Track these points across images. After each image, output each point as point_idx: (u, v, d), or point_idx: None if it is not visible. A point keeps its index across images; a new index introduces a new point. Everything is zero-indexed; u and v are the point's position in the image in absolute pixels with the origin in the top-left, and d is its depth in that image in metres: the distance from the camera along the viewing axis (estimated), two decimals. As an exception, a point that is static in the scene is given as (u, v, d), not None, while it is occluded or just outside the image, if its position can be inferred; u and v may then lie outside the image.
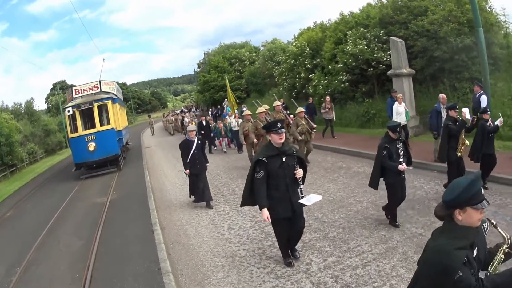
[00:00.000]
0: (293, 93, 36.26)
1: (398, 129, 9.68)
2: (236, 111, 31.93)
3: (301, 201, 8.06)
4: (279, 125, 7.89)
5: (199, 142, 14.20)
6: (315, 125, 18.18)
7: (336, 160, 18.02)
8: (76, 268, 10.28)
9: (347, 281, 7.56)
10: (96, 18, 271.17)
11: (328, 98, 25.10)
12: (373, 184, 10.24)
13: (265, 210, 7.74)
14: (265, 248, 9.66)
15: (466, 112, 11.54)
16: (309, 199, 8.16)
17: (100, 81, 28.74)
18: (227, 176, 18.80)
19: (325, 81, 29.63)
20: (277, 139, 7.84)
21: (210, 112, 45.98)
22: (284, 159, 7.90)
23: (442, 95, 15.44)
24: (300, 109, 17.94)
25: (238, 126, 23.30)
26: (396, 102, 17.96)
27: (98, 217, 14.94)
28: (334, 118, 25.21)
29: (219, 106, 50.00)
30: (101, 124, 26.09)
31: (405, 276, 7.42)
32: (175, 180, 19.88)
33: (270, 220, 7.80)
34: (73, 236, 13.33)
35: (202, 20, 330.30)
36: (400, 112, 17.68)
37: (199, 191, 14.16)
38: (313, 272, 8.07)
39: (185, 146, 14.03)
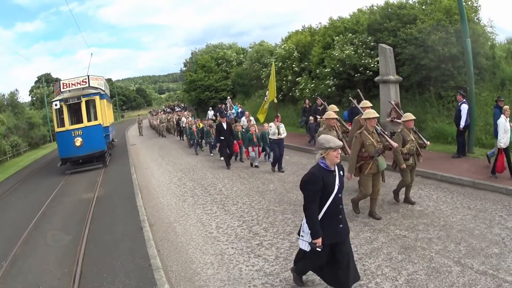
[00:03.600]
0: (280, 95, 36.47)
1: None
2: (236, 112, 29.24)
3: None
4: None
5: (342, 174, 7.01)
6: (428, 142, 11.88)
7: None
8: (65, 263, 10.28)
9: (334, 280, 7.74)
10: (84, 11, 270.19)
11: (395, 101, 18.44)
12: None
13: None
14: (253, 247, 9.83)
15: None
16: None
17: (88, 75, 28.75)
18: (214, 176, 18.95)
19: (312, 85, 29.95)
20: None
21: (212, 112, 42.51)
22: None
23: None
24: (409, 116, 11.51)
25: (279, 134, 17.85)
26: (503, 116, 13.40)
27: (85, 213, 14.90)
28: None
29: (221, 105, 45.24)
30: (89, 120, 25.96)
31: (390, 275, 7.75)
32: (162, 178, 19.93)
33: None
34: (61, 232, 13.26)
35: (190, 20, 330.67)
36: (507, 130, 13.35)
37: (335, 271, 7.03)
38: (301, 271, 8.23)
39: (316, 181, 6.63)
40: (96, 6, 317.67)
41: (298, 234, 7.05)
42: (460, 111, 16.33)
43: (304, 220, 6.83)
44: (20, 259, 11.10)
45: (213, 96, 56.72)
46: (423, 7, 24.75)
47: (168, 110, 65.66)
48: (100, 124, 26.21)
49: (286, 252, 9.27)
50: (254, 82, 47.29)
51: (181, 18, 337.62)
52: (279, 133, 17.85)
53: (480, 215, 10.22)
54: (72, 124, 25.78)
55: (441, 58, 21.12)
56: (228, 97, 44.58)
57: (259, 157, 20.25)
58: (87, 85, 28.20)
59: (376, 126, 10.75)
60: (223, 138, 20.78)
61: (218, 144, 23.13)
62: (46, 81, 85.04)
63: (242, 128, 22.23)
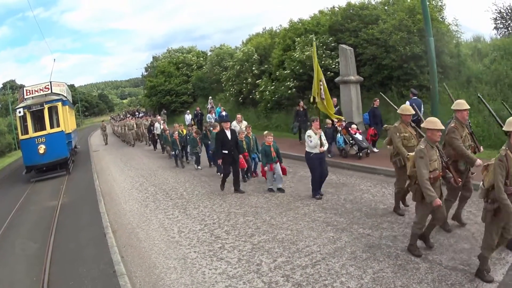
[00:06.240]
0: (240, 98, 36.51)
1: None
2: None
3: None
4: None
5: None
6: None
7: (283, 165, 18.21)
8: (33, 272, 10.20)
9: (298, 280, 7.82)
10: (49, 17, 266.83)
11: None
12: None
13: None
14: (215, 250, 9.82)
15: None
16: None
17: (51, 82, 28.26)
18: (175, 180, 18.91)
19: (272, 87, 30.04)
20: None
21: (189, 116, 37.41)
22: None
23: None
24: None
25: (322, 145, 12.78)
26: None
27: (50, 221, 14.75)
28: None
29: (197, 108, 39.32)
30: (51, 126, 25.55)
31: (355, 274, 7.79)
32: (124, 184, 19.83)
33: None
34: (28, 240, 13.15)
35: (152, 25, 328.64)
36: None
37: None
38: (264, 272, 8.30)
39: None
40: (61, 12, 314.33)
41: None
42: None
43: None
44: (-10, 269, 10.99)
45: (174, 100, 56.75)
46: (386, 7, 24.99)
47: (128, 116, 63.01)
48: (62, 130, 25.84)
49: (248, 254, 9.28)
50: (215, 85, 47.33)
51: (144, 23, 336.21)
52: (321, 145, 12.81)
53: (451, 211, 9.94)
54: (35, 132, 25.34)
55: (403, 57, 21.41)
56: (210, 97, 41.42)
57: (284, 174, 14.93)
58: (49, 91, 27.76)
59: None
60: (227, 152, 15.05)
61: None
62: (11, 88, 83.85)
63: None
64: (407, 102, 16.47)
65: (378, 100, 19.06)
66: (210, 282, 8.24)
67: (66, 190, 20.51)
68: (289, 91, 27.89)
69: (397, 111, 10.39)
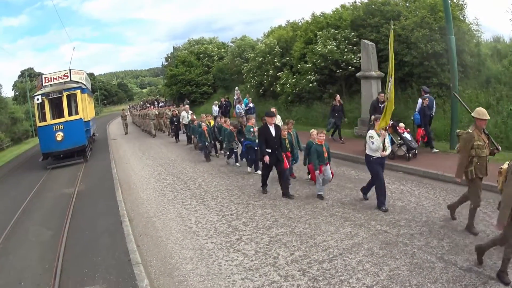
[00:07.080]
0: (260, 90, 36.46)
1: None
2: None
3: None
4: None
5: None
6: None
7: (301, 158, 17.99)
8: (46, 259, 10.18)
9: (314, 274, 7.76)
10: (68, 6, 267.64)
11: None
12: None
13: None
14: (232, 242, 9.79)
15: None
16: None
17: (70, 70, 28.37)
18: (193, 171, 18.85)
19: (293, 80, 30.07)
20: None
21: (217, 107, 35.87)
22: None
23: None
24: None
25: (384, 149, 11.21)
26: None
27: (66, 208, 14.77)
28: None
29: (227, 98, 38.30)
30: (70, 114, 25.64)
31: (371, 270, 7.72)
32: (142, 172, 19.84)
33: None
34: (42, 227, 13.14)
35: (173, 15, 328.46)
36: None
37: None
38: (281, 266, 8.25)
39: None
40: (81, 1, 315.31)
41: None
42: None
43: None
44: (2, 256, 10.97)
45: (194, 91, 57.41)
46: (407, 4, 24.79)
47: (149, 105, 62.81)
48: (81, 118, 25.97)
49: (266, 247, 9.24)
50: (235, 77, 47.46)
51: (164, 13, 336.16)
52: (384, 149, 11.22)
53: (464, 212, 9.95)
54: (53, 119, 25.48)
55: (424, 55, 21.19)
56: (236, 88, 38.37)
57: (332, 177, 13.34)
58: (68, 79, 27.93)
59: None
60: (270, 150, 13.15)
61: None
62: (29, 76, 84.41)
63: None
64: (419, 100, 16.37)
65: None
66: (226, 273, 8.21)
67: (83, 177, 20.61)
68: (310, 85, 27.85)
69: (472, 115, 8.99)
